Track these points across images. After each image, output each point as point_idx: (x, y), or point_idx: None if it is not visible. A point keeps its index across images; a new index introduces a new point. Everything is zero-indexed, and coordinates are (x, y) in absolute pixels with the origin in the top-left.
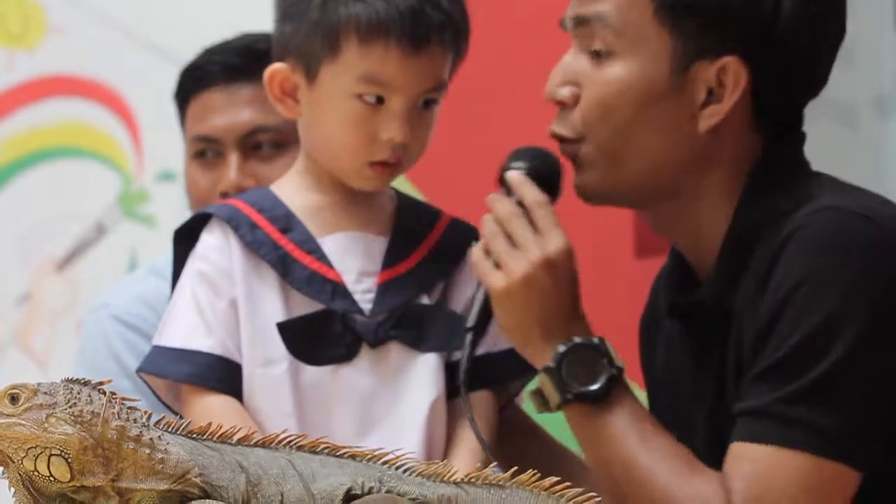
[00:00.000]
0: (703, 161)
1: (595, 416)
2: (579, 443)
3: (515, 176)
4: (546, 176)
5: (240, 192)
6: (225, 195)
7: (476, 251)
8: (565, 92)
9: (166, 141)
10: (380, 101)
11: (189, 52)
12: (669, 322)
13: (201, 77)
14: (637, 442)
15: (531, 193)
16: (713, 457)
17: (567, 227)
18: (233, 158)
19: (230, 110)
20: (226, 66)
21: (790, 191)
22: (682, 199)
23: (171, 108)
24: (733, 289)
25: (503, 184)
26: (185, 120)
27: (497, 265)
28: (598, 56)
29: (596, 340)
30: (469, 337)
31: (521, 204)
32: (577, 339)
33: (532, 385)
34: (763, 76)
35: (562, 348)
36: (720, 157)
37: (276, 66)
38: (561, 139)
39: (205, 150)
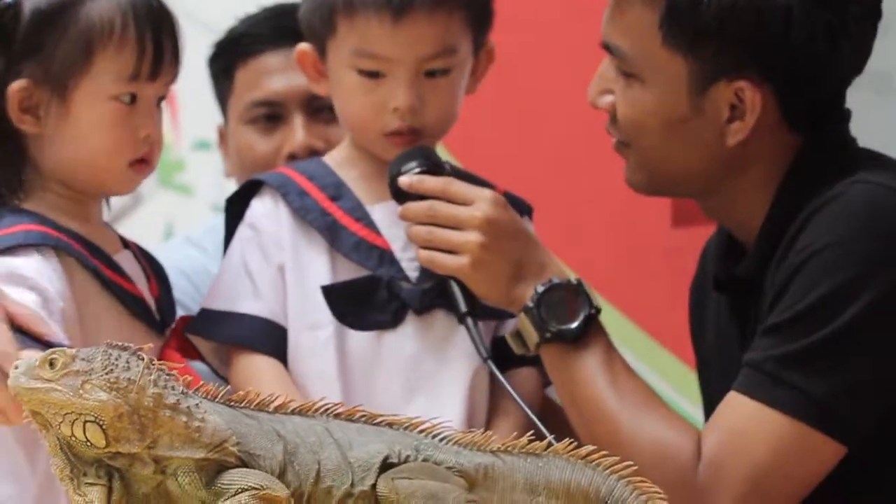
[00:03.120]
0: (739, 165)
1: (570, 356)
2: (554, 383)
3: (406, 179)
4: (428, 164)
5: (310, 154)
6: (293, 157)
7: (423, 253)
8: (605, 101)
9: (202, 110)
10: (378, 74)
11: (224, 21)
12: (716, 294)
13: (250, 42)
14: (607, 383)
15: (432, 181)
16: None
17: (606, 198)
18: (298, 120)
19: (289, 73)
20: (277, 29)
21: (830, 173)
22: (724, 194)
23: (206, 78)
24: (769, 263)
25: (399, 196)
26: (232, 87)
27: (449, 252)
28: (625, 74)
29: (574, 280)
30: (470, 322)
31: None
32: (555, 280)
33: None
34: (784, 85)
35: (540, 288)
36: (756, 159)
37: (301, 48)
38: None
39: (264, 115)
